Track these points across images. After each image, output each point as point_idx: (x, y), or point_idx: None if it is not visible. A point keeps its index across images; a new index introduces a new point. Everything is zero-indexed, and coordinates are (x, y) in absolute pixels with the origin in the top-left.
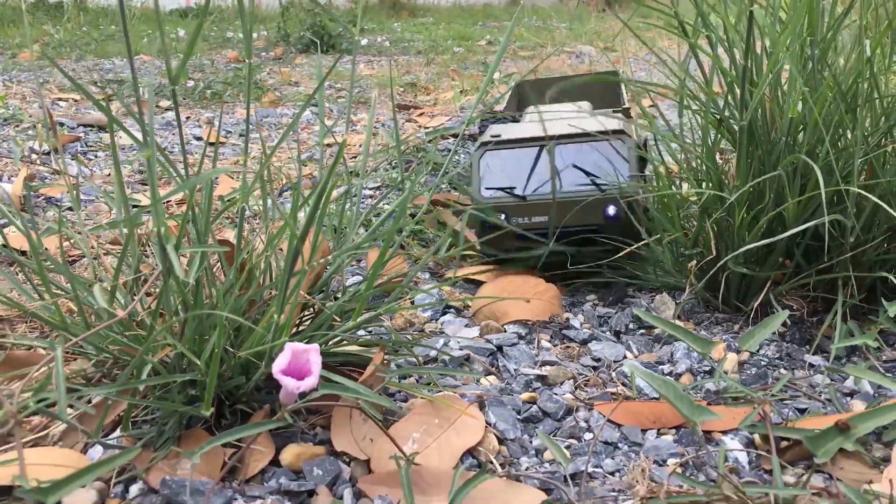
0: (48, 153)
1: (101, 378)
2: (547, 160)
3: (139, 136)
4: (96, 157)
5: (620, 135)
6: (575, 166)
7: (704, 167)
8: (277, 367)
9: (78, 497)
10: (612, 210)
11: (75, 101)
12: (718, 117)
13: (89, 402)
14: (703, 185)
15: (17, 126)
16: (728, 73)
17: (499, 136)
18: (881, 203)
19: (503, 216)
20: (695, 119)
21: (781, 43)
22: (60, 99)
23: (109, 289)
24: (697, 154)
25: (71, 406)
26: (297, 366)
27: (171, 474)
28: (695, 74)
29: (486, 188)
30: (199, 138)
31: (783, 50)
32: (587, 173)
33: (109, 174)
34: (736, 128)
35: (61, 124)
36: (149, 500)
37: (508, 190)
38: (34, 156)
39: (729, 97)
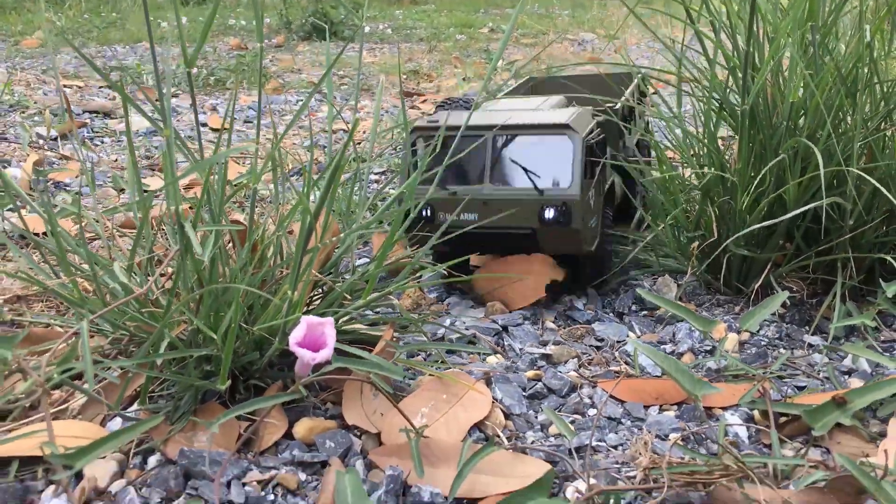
0: (55, 139)
1: (118, 355)
2: (483, 153)
3: (149, 121)
4: (102, 142)
5: (565, 130)
6: (513, 162)
7: (706, 151)
8: (294, 339)
9: (99, 467)
10: (549, 213)
11: (79, 87)
12: (720, 102)
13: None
14: (706, 169)
15: (23, 112)
16: (731, 58)
17: (436, 121)
18: (880, 187)
19: (429, 210)
20: (698, 106)
21: (783, 28)
22: (65, 86)
23: (126, 267)
24: (700, 139)
25: (95, 375)
26: (312, 339)
27: (188, 446)
28: (697, 62)
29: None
30: (203, 124)
31: (785, 35)
32: (526, 170)
33: (116, 160)
34: (738, 112)
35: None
36: (167, 471)
37: (438, 182)
38: (41, 141)
39: (731, 82)
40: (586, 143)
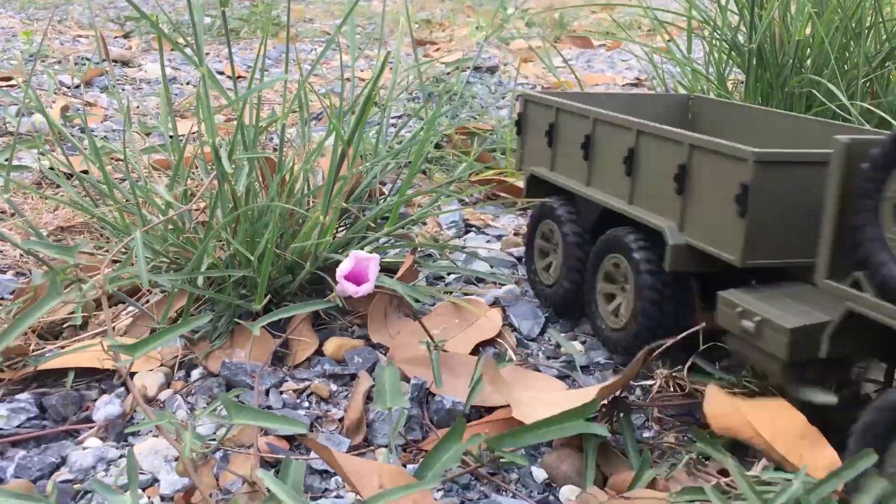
0: (78, 86)
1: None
2: None
3: (187, 58)
4: (123, 90)
5: None
6: None
7: (716, 91)
8: (341, 271)
9: (148, 379)
10: None
11: (94, 37)
12: (729, 44)
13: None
14: None
15: (44, 61)
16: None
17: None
18: (883, 132)
19: None
20: (709, 49)
21: None
22: (81, 36)
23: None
24: (710, 79)
25: (140, 297)
26: (356, 271)
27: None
28: (709, 7)
29: None
30: (220, 72)
31: None
32: None
33: (138, 106)
34: (746, 51)
35: (88, 59)
36: (209, 382)
37: None
38: (64, 88)
39: (740, 23)
40: None
